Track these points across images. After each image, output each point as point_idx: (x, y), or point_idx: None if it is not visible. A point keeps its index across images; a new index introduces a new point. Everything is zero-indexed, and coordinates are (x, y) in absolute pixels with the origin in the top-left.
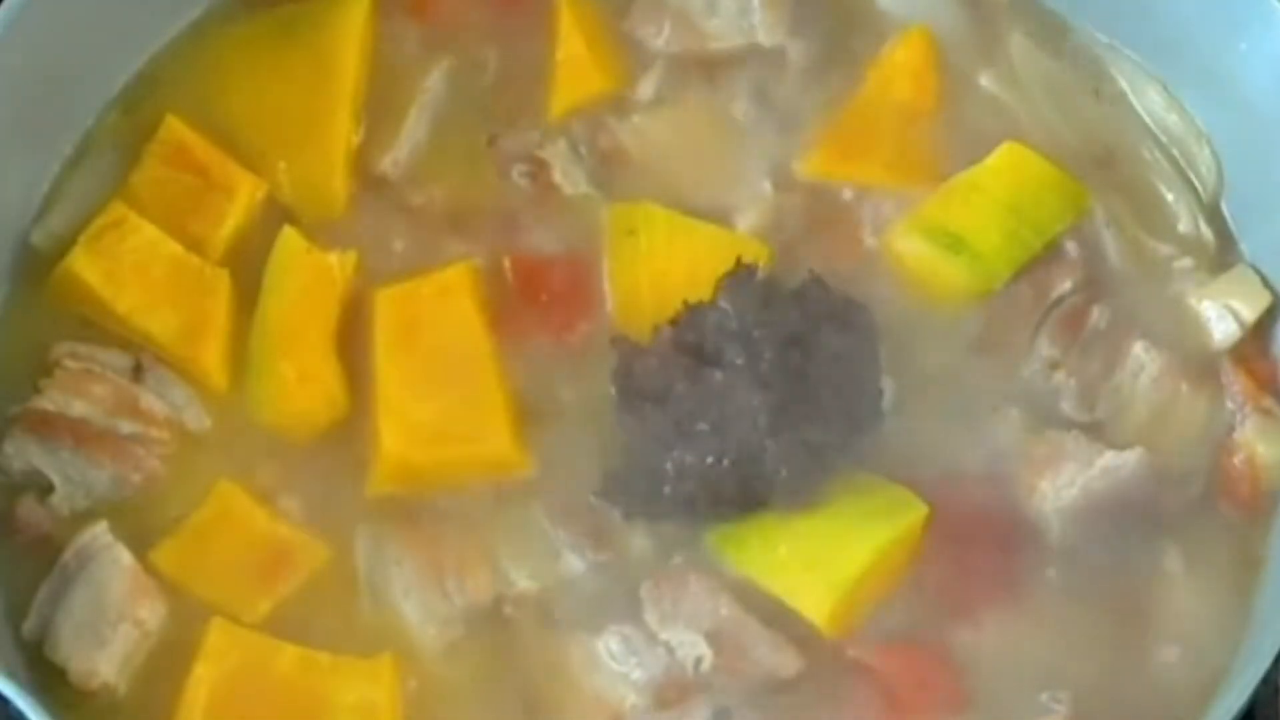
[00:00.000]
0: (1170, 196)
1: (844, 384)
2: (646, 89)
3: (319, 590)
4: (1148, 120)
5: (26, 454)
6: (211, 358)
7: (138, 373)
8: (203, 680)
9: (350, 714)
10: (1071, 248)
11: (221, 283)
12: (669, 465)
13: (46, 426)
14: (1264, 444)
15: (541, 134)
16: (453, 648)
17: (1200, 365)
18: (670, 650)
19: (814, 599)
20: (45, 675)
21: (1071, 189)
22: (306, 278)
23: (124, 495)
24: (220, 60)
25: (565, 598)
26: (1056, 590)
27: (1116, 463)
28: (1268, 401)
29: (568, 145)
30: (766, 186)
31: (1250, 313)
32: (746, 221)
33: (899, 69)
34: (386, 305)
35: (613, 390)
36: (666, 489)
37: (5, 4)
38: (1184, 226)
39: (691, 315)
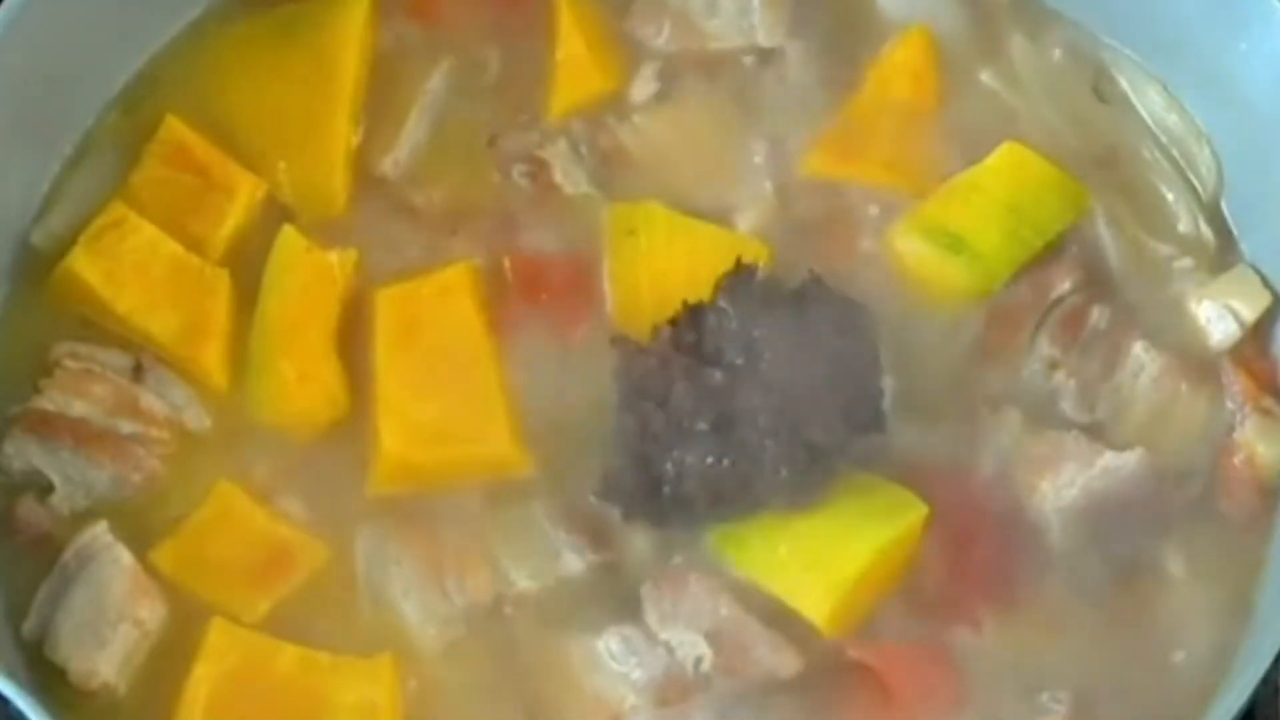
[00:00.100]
0: (1170, 196)
1: (844, 384)
2: (646, 89)
3: (319, 590)
4: (1148, 120)
5: (26, 454)
6: (211, 357)
7: (138, 373)
8: (203, 680)
9: (350, 714)
10: (1071, 248)
11: (221, 282)
12: (669, 465)
13: (46, 426)
14: (1264, 444)
15: (541, 134)
16: (453, 648)
17: (1200, 365)
18: (670, 650)
19: (814, 599)
20: (45, 675)
21: (1071, 189)
22: (306, 277)
23: (124, 495)
24: (220, 60)
25: (565, 598)
26: (1056, 590)
27: (1116, 463)
28: (1268, 401)
29: (568, 145)
30: (766, 186)
31: (1250, 313)
32: (746, 221)
33: (899, 69)
34: (386, 305)
35: (613, 390)
36: (666, 489)
37: (5, 4)
38: (1184, 226)
39: (691, 315)
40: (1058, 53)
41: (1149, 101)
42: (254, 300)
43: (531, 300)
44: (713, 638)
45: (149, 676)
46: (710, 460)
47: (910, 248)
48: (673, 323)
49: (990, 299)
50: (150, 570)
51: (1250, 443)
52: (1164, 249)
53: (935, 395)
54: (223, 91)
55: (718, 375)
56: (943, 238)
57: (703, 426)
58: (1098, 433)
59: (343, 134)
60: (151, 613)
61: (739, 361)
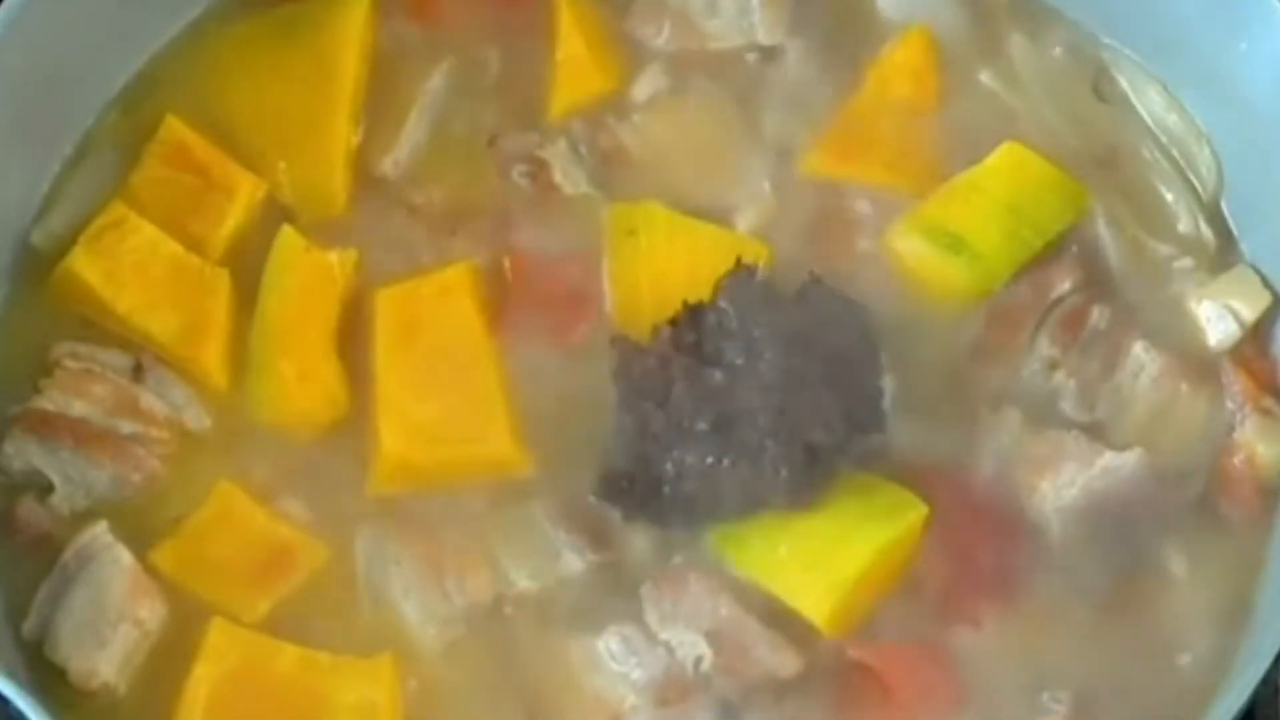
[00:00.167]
0: (1170, 196)
1: (844, 384)
2: (646, 89)
3: (319, 590)
4: (1148, 120)
5: (26, 454)
6: (211, 357)
7: (138, 373)
8: (203, 680)
9: (350, 714)
10: (1071, 248)
11: (221, 282)
12: (669, 465)
13: (46, 426)
14: (1264, 444)
15: (541, 134)
16: (453, 648)
17: (1200, 365)
18: (670, 650)
19: (814, 599)
20: (45, 675)
21: (1071, 189)
22: (306, 276)
23: (124, 495)
24: (220, 60)
25: (565, 598)
26: (1056, 590)
27: (1116, 463)
28: (1268, 401)
29: (568, 145)
30: (766, 186)
31: (1250, 313)
32: (746, 221)
33: (899, 69)
34: (386, 305)
35: (613, 390)
36: (666, 489)
37: (5, 4)
38: (1184, 226)
39: (691, 315)
40: (1058, 52)
41: (1149, 101)
42: (254, 300)
43: (531, 300)
44: (713, 638)
45: (149, 676)
46: (710, 460)
47: (910, 248)
48: (673, 323)
49: (990, 299)
50: (150, 570)
51: (1250, 443)
52: (1164, 249)
53: (935, 395)
54: (223, 91)
55: (718, 375)
56: (943, 238)
57: (703, 426)
58: (1098, 433)
59: (343, 134)
60: (151, 613)
61: (739, 361)
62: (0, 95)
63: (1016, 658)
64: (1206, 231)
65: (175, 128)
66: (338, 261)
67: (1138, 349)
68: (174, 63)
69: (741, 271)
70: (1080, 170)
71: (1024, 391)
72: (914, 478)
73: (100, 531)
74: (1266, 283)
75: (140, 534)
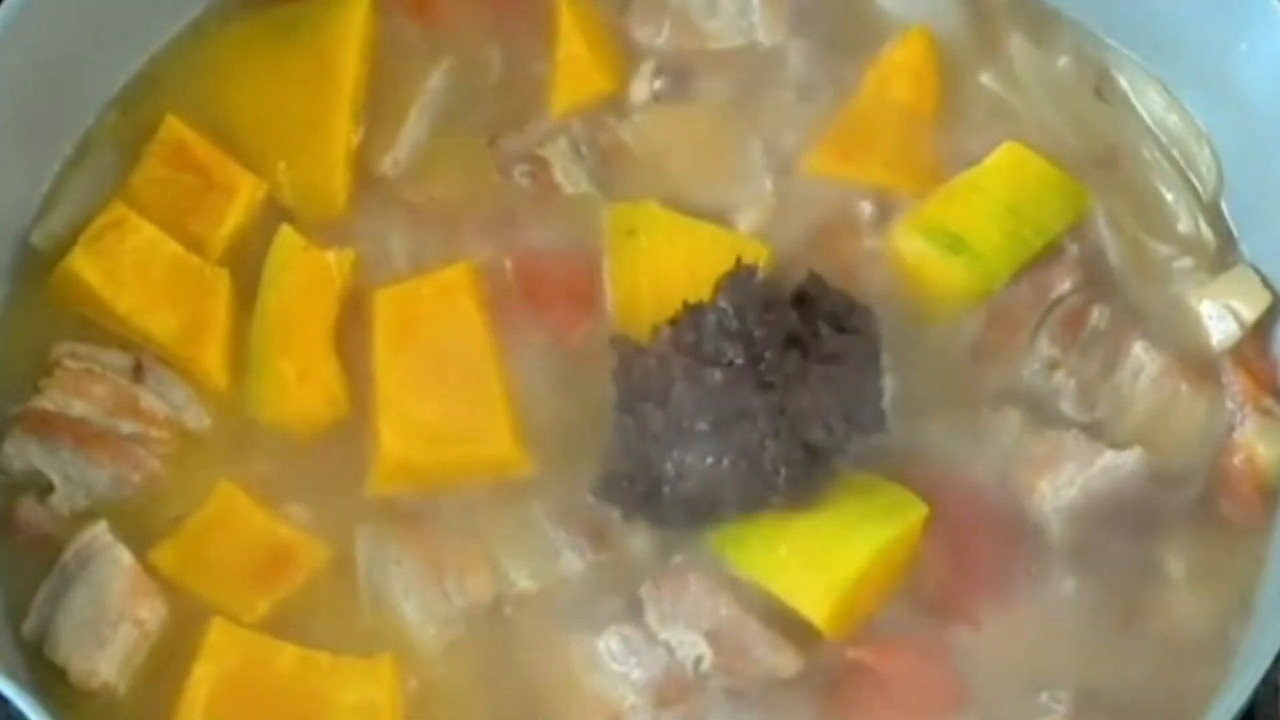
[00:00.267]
0: (1170, 196)
1: (844, 384)
2: (646, 89)
3: (319, 590)
4: (1148, 120)
5: (26, 454)
6: (211, 357)
7: (138, 373)
8: (203, 680)
9: (350, 714)
10: (1071, 248)
11: (221, 282)
12: (669, 465)
13: (46, 426)
14: (1264, 444)
15: (541, 134)
16: (453, 648)
17: (1200, 365)
18: (670, 650)
19: (814, 599)
20: (45, 675)
21: (1071, 189)
22: (305, 276)
23: (124, 495)
24: (220, 60)
25: (565, 598)
26: (1056, 590)
27: (1116, 462)
28: (1268, 401)
29: (568, 145)
30: (766, 186)
31: (1250, 313)
32: (746, 221)
33: (899, 69)
34: (386, 305)
35: (613, 390)
36: (666, 489)
37: (5, 4)
38: (1184, 226)
39: (691, 315)
40: (1058, 53)
41: (1149, 101)
42: (254, 300)
43: (531, 300)
44: (713, 637)
45: (149, 676)
46: (710, 460)
47: (910, 248)
48: (673, 323)
49: (990, 299)
50: (150, 570)
51: (1250, 443)
52: (1164, 249)
53: (935, 395)
54: (223, 91)
55: (718, 375)
56: (943, 238)
57: (703, 426)
58: (1097, 432)
59: (343, 134)
60: (151, 613)
61: (739, 361)
62: (0, 95)
63: (1016, 658)
64: (1206, 231)
65: (175, 128)
66: (335, 261)
67: (1138, 349)
68: (174, 63)
69: (741, 271)
70: (1080, 170)
71: (1024, 391)
72: (914, 478)
73: (100, 531)
74: (1266, 283)
75: (140, 534)
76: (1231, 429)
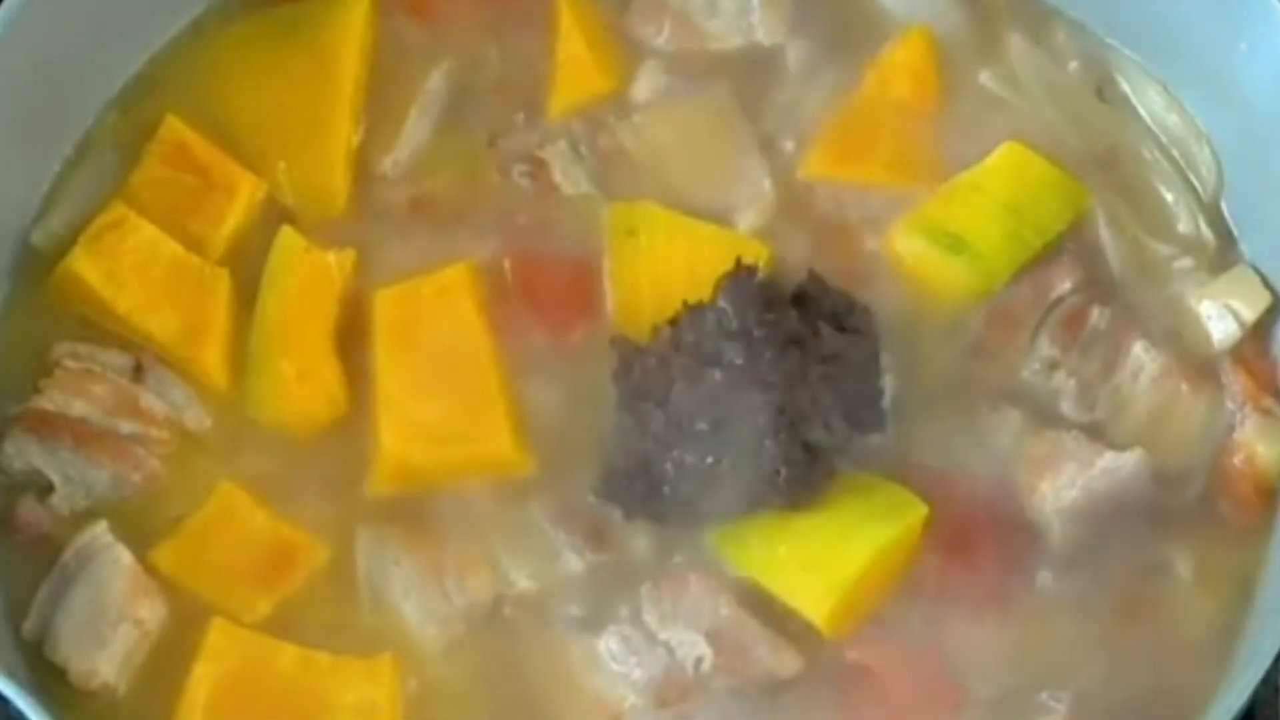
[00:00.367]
0: (1170, 196)
1: (844, 384)
2: (647, 88)
3: (319, 590)
4: (1148, 120)
5: (26, 454)
6: (211, 357)
7: (138, 373)
8: (203, 680)
9: (350, 714)
10: (1071, 248)
11: (221, 282)
12: (669, 465)
13: (46, 426)
14: (1264, 444)
15: (541, 134)
16: (453, 648)
17: (1200, 365)
18: (670, 650)
19: (814, 599)
20: (45, 675)
21: (1071, 189)
22: (305, 276)
23: (124, 495)
24: (220, 60)
25: (565, 598)
26: (1056, 590)
27: (1116, 463)
28: (1268, 401)
29: (568, 145)
30: (766, 186)
31: (1250, 313)
32: (746, 221)
33: (899, 69)
34: (386, 305)
35: (613, 390)
36: (666, 489)
37: (5, 4)
38: (1184, 226)
39: (691, 315)
40: (1058, 53)
41: (1149, 102)
42: (254, 300)
43: (531, 300)
44: (713, 638)
45: (149, 676)
46: (710, 460)
47: (910, 248)
48: (673, 323)
49: (990, 299)
50: (150, 570)
51: (1250, 443)
52: (1164, 249)
53: (935, 395)
54: (223, 91)
55: (718, 375)
56: (943, 238)
57: (703, 426)
58: (1097, 433)
59: (343, 134)
60: (151, 613)
61: (739, 361)
62: (0, 95)
63: (1016, 658)
64: (1206, 231)
65: (175, 128)
66: (335, 261)
67: (1138, 349)
68: (174, 63)
69: (741, 271)
70: (1080, 170)
71: (1024, 391)
72: (914, 478)
73: (100, 531)
74: (1266, 283)
75: (140, 534)
76: (1231, 429)
